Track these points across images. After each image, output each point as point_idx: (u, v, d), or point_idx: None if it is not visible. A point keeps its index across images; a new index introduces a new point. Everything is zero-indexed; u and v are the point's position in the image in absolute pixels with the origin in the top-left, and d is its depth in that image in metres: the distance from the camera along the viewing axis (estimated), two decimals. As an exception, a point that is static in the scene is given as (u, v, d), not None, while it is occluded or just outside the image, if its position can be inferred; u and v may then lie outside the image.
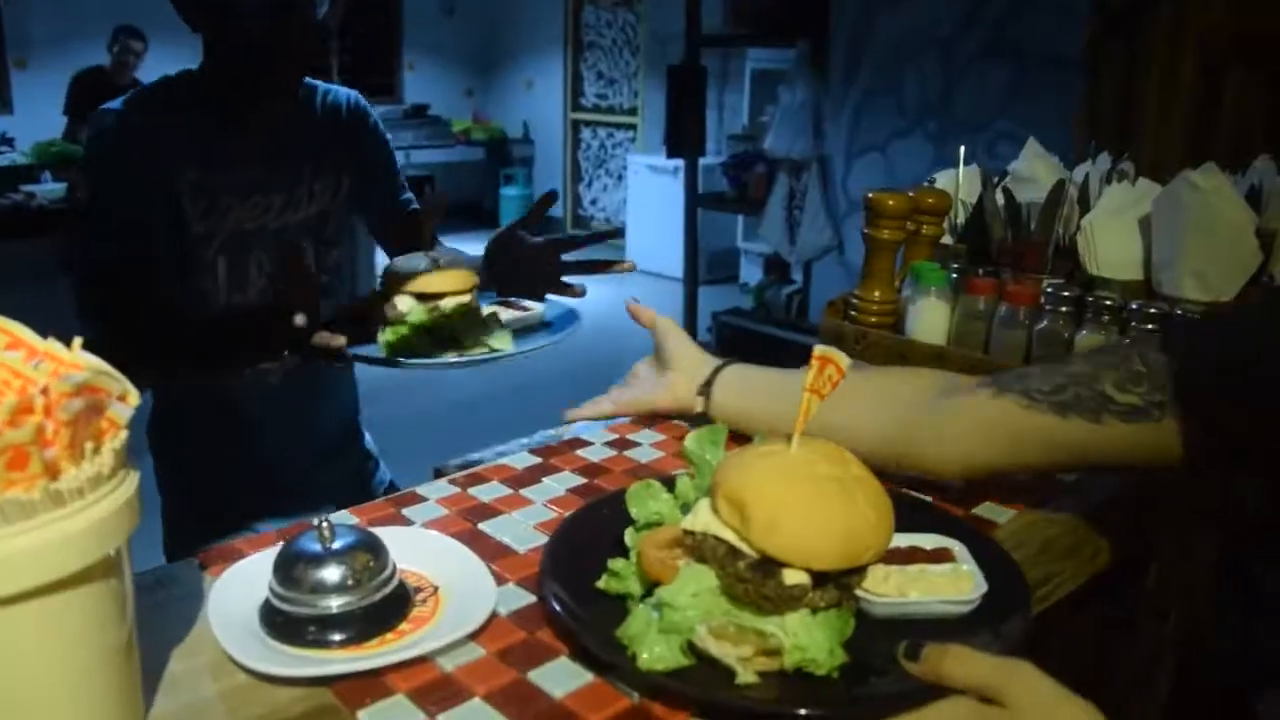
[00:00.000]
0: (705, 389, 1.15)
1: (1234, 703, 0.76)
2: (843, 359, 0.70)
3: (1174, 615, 1.47)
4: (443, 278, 1.29)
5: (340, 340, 1.29)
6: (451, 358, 1.31)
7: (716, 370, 1.16)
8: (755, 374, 1.15)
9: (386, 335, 1.34)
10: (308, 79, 1.60)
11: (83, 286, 1.47)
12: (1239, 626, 0.91)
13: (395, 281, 1.29)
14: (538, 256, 1.52)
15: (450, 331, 1.31)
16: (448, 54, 9.90)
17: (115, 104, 1.47)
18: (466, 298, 1.36)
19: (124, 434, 0.60)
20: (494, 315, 1.38)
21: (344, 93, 1.66)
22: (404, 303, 1.30)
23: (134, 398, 0.60)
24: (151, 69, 5.94)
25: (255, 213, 1.52)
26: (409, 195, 1.74)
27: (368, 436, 1.89)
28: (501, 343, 1.33)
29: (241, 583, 0.79)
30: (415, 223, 1.71)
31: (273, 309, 1.35)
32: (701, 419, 1.15)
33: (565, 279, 1.52)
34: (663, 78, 5.49)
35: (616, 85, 9.11)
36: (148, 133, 1.45)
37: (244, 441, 1.65)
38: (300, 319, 1.25)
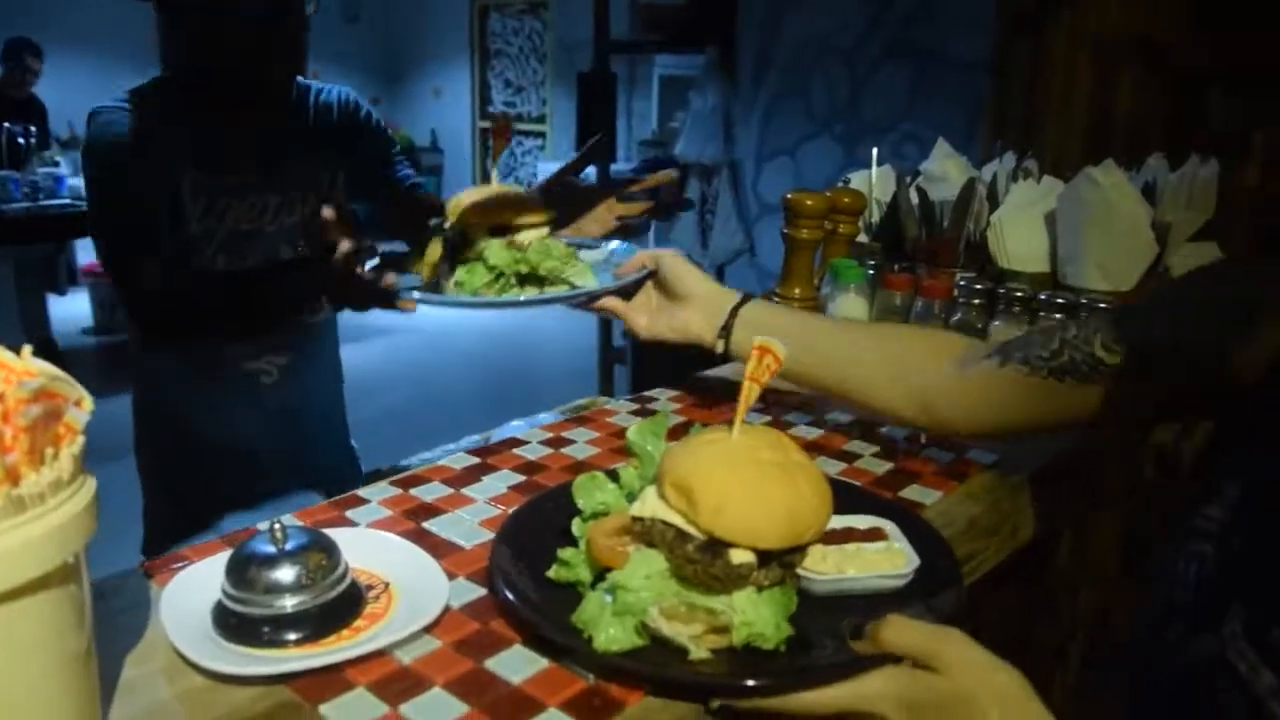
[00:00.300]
0: (725, 332, 1.15)
1: (1148, 680, 0.81)
2: (780, 348, 0.74)
3: (1083, 593, 1.54)
4: (518, 210, 1.18)
5: (392, 278, 1.24)
6: (532, 294, 1.20)
7: (734, 310, 1.15)
8: (776, 315, 1.17)
9: (460, 275, 1.22)
10: (300, 79, 1.61)
11: (115, 277, 1.47)
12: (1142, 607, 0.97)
13: (467, 216, 1.17)
14: (590, 198, 1.53)
15: (530, 267, 1.20)
16: (353, 62, 9.75)
17: (112, 103, 1.46)
18: (545, 230, 1.25)
19: (81, 439, 0.60)
20: (572, 250, 1.26)
21: (337, 90, 1.67)
22: (475, 236, 1.18)
23: (88, 403, 0.60)
24: (49, 84, 5.80)
25: (252, 214, 1.52)
26: (408, 171, 1.74)
27: (354, 443, 1.89)
28: (583, 278, 1.22)
29: (191, 589, 0.79)
30: (416, 200, 1.72)
31: (316, 248, 1.34)
32: (723, 358, 1.18)
33: (620, 219, 1.53)
34: (570, 85, 5.51)
35: (525, 93, 9.10)
36: (147, 132, 1.44)
37: (231, 442, 1.63)
38: (345, 245, 1.23)
